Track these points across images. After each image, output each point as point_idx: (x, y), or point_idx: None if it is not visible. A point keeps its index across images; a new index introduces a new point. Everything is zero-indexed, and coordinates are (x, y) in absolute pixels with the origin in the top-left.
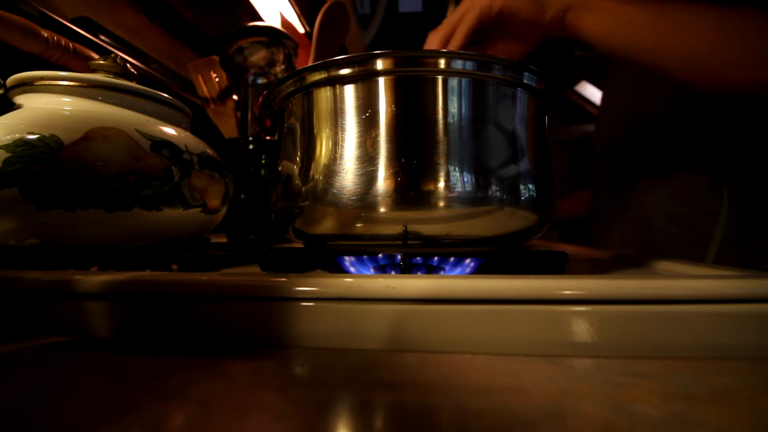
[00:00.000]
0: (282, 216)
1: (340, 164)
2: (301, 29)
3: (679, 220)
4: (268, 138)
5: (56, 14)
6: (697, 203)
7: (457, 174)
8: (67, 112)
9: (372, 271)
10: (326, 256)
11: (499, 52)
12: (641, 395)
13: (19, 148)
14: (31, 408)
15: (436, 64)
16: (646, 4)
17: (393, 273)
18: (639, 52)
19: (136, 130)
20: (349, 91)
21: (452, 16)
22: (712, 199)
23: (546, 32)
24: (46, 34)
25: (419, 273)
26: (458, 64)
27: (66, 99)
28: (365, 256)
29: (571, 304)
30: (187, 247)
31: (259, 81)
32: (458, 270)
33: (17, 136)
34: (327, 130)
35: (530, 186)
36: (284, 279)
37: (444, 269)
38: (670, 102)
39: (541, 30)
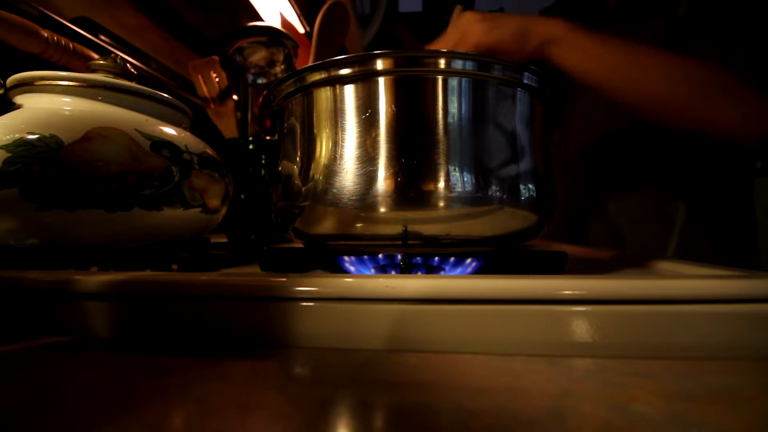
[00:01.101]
0: (282, 216)
1: (340, 164)
2: (301, 29)
3: (639, 222)
4: (268, 138)
5: (56, 14)
6: (655, 208)
7: (457, 174)
8: (67, 112)
9: (372, 271)
10: (326, 256)
11: None
12: (641, 395)
13: (19, 148)
14: (31, 408)
15: (436, 64)
16: (617, 46)
17: (393, 273)
18: (606, 89)
19: (136, 130)
20: (349, 91)
21: (445, 41)
22: (669, 204)
23: (527, 57)
24: (46, 34)
25: (419, 273)
26: (458, 64)
27: (66, 99)
28: (365, 256)
29: (571, 304)
30: (187, 247)
31: (259, 81)
32: (458, 270)
33: (17, 136)
34: (327, 130)
35: (530, 186)
36: (284, 279)
37: (444, 269)
38: (631, 118)
39: (524, 58)
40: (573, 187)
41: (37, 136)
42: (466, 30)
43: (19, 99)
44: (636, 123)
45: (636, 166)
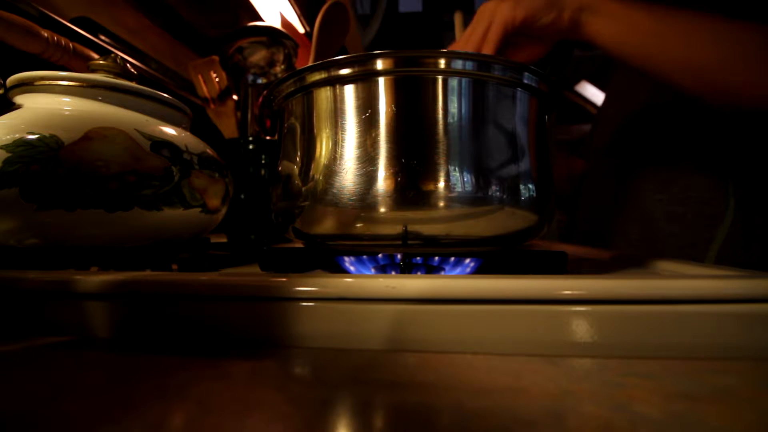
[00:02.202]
0: (282, 216)
1: (340, 164)
2: (301, 29)
3: (679, 218)
4: (268, 138)
5: (56, 14)
6: (700, 203)
7: (457, 174)
8: (67, 112)
9: (372, 271)
10: (326, 256)
11: (518, 58)
12: (641, 395)
13: (19, 148)
14: (31, 408)
15: (436, 64)
16: (654, 11)
17: (393, 273)
18: (644, 59)
19: (136, 130)
20: (349, 91)
21: (474, 30)
22: (717, 200)
23: (562, 34)
24: (46, 34)
25: (419, 273)
26: (458, 64)
27: (66, 99)
28: (365, 256)
29: (571, 304)
30: (187, 247)
31: (259, 81)
32: (458, 270)
33: (17, 136)
34: (327, 130)
35: (530, 186)
36: (284, 279)
37: (444, 269)
38: (674, 99)
39: (559, 32)
40: (596, 184)
41: (37, 136)
42: (493, 14)
43: (19, 99)
44: (679, 103)
45: (677, 154)
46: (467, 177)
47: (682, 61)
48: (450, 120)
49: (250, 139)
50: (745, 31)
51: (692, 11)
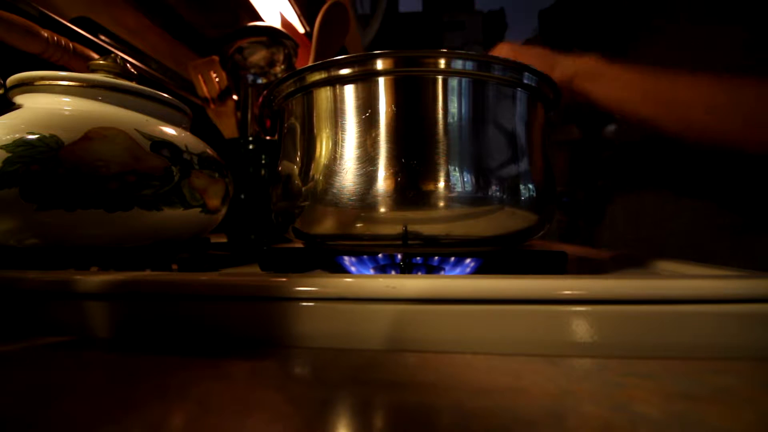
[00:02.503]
0: (282, 216)
1: (340, 164)
2: (301, 29)
3: (687, 232)
4: (268, 138)
5: (56, 14)
6: (707, 216)
7: (457, 174)
8: (67, 112)
9: (372, 271)
10: (326, 256)
11: None
12: (641, 395)
13: (19, 148)
14: (31, 408)
15: (436, 64)
16: (652, 74)
17: (393, 273)
18: (643, 118)
19: (136, 130)
20: (349, 91)
21: None
22: (722, 212)
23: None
24: (46, 34)
25: (419, 273)
26: (458, 64)
27: (66, 99)
28: (365, 256)
29: (571, 304)
30: (187, 247)
31: (259, 81)
32: (458, 270)
33: (17, 136)
34: (327, 130)
35: (530, 186)
36: (284, 279)
37: (444, 269)
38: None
39: None
40: (598, 188)
41: (37, 136)
42: (495, 53)
43: (19, 99)
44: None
45: (676, 158)
46: (467, 177)
47: (681, 119)
48: (450, 120)
49: (250, 139)
50: (737, 84)
51: (691, 72)
